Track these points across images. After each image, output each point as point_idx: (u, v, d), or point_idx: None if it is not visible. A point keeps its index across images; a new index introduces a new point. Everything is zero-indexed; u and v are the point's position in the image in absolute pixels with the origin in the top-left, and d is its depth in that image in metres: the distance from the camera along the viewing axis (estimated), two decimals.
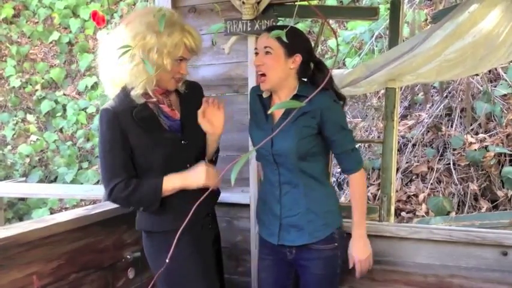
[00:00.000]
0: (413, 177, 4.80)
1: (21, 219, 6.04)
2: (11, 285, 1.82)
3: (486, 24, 2.17)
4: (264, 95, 2.03)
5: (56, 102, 7.09)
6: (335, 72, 2.67)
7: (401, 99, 5.16)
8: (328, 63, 5.46)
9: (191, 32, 1.87)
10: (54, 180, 6.53)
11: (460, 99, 4.97)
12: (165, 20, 1.79)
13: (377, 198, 4.55)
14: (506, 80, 4.91)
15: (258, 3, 2.36)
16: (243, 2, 2.35)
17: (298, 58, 1.91)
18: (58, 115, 6.99)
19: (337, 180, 4.89)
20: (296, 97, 1.93)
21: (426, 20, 5.43)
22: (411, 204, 4.65)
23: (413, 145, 4.92)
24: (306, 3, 2.33)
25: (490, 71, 4.95)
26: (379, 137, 4.96)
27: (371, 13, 2.49)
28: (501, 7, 2.15)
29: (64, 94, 7.14)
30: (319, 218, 1.95)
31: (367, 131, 5.27)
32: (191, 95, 1.99)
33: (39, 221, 2.17)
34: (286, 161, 1.95)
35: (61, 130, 6.94)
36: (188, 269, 1.89)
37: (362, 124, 5.31)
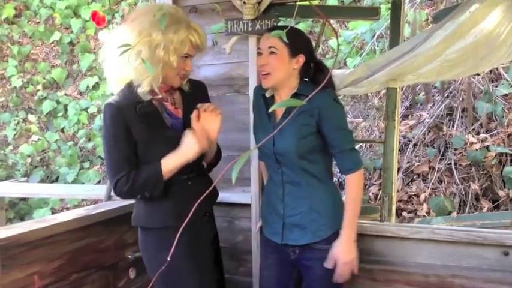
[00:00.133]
0: (415, 177, 4.80)
1: (22, 219, 6.05)
2: (12, 285, 1.82)
3: (487, 24, 2.17)
4: (267, 94, 2.04)
5: (58, 102, 7.09)
6: (336, 72, 2.67)
7: (402, 99, 5.15)
8: (329, 63, 5.46)
9: (197, 29, 1.88)
10: (56, 180, 6.53)
11: (461, 99, 4.96)
12: (171, 17, 1.80)
13: (378, 198, 4.55)
14: (507, 80, 4.90)
15: (259, 3, 2.36)
16: (244, 2, 2.35)
17: (301, 58, 1.92)
18: (59, 115, 6.99)
19: (338, 180, 4.88)
20: (295, 96, 1.94)
21: (427, 19, 5.43)
22: (412, 204, 4.64)
23: (415, 145, 4.92)
24: (306, 3, 2.32)
25: (491, 71, 4.95)
26: (380, 136, 4.96)
27: (372, 13, 2.49)
28: (502, 7, 2.15)
29: (65, 94, 7.14)
30: (322, 218, 1.95)
31: (368, 131, 5.26)
32: (195, 94, 2.00)
33: (41, 221, 2.18)
34: (288, 159, 1.95)
35: (62, 130, 6.94)
36: (183, 268, 1.89)
37: (363, 124, 5.31)
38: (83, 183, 6.23)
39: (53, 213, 5.84)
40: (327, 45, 5.94)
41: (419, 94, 5.33)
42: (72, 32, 7.34)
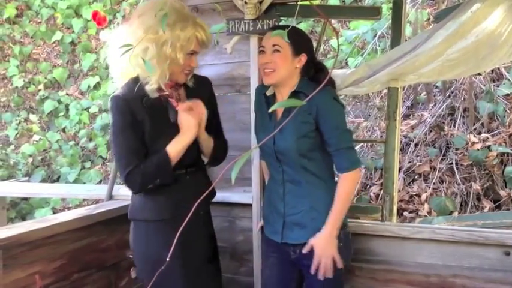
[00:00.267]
0: (416, 176, 4.79)
1: (23, 218, 6.05)
2: (13, 285, 1.83)
3: (489, 23, 2.17)
4: (268, 93, 2.05)
5: (59, 102, 7.09)
6: (337, 72, 2.67)
7: (403, 98, 5.14)
8: (330, 63, 5.46)
9: (203, 25, 1.89)
10: (57, 180, 6.53)
11: (462, 99, 4.95)
12: (177, 13, 1.80)
13: (379, 198, 4.54)
14: (509, 80, 4.89)
15: (260, 3, 2.36)
16: (245, 2, 2.35)
17: (303, 58, 1.95)
18: (61, 115, 6.99)
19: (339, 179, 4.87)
20: (295, 93, 1.95)
21: (429, 19, 5.42)
22: (414, 204, 4.64)
23: (416, 145, 4.91)
24: (307, 2, 2.32)
25: (492, 71, 4.94)
26: (381, 136, 4.95)
27: (373, 13, 2.48)
28: (504, 6, 2.14)
29: (67, 94, 7.14)
30: (323, 216, 1.94)
31: (369, 131, 5.26)
32: (199, 90, 2.01)
33: (42, 220, 2.18)
34: (288, 158, 1.96)
35: (64, 130, 6.94)
36: (171, 268, 1.89)
37: (364, 124, 5.31)
38: (84, 183, 6.23)
39: (54, 213, 5.85)
40: (328, 45, 5.93)
41: (420, 94, 5.32)
42: (73, 31, 7.34)
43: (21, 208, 6.24)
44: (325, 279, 1.95)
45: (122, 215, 2.30)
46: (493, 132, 4.69)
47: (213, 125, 2.07)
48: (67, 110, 7.03)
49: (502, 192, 4.41)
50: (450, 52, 2.25)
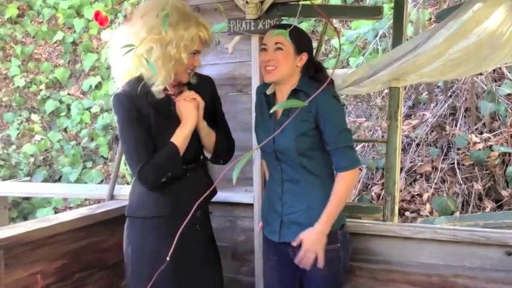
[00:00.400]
0: (417, 176, 4.79)
1: (25, 218, 6.06)
2: (15, 284, 1.83)
3: (490, 23, 2.16)
4: (268, 92, 2.05)
5: (60, 101, 7.10)
6: (339, 71, 2.67)
7: (405, 98, 5.14)
8: (331, 62, 5.46)
9: (205, 25, 1.91)
10: (59, 180, 6.54)
11: (464, 99, 4.95)
12: (180, 13, 1.81)
13: (381, 197, 4.54)
14: (510, 80, 4.88)
15: (262, 2, 2.36)
16: (247, 2, 2.35)
17: (304, 57, 1.96)
18: (62, 115, 7.00)
19: None
20: (295, 92, 1.96)
21: (430, 19, 5.41)
22: (415, 203, 4.63)
23: (417, 144, 4.90)
24: (309, 2, 2.32)
25: (494, 70, 4.93)
26: (383, 136, 4.94)
27: (375, 12, 2.48)
28: (505, 6, 2.14)
29: (68, 94, 7.15)
30: (319, 215, 1.92)
31: (371, 131, 5.25)
32: (201, 88, 2.01)
33: (44, 220, 2.19)
34: (288, 156, 1.96)
35: (65, 130, 6.95)
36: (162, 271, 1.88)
37: (366, 124, 5.30)
38: (85, 183, 6.24)
39: (55, 212, 5.86)
40: (329, 45, 5.93)
41: (422, 94, 5.31)
42: (75, 31, 7.35)
43: (23, 208, 6.25)
44: (323, 280, 1.95)
45: (123, 214, 2.29)
46: (495, 132, 4.68)
47: (217, 123, 2.08)
48: (69, 109, 7.03)
49: (504, 192, 4.41)
50: (451, 52, 2.24)
